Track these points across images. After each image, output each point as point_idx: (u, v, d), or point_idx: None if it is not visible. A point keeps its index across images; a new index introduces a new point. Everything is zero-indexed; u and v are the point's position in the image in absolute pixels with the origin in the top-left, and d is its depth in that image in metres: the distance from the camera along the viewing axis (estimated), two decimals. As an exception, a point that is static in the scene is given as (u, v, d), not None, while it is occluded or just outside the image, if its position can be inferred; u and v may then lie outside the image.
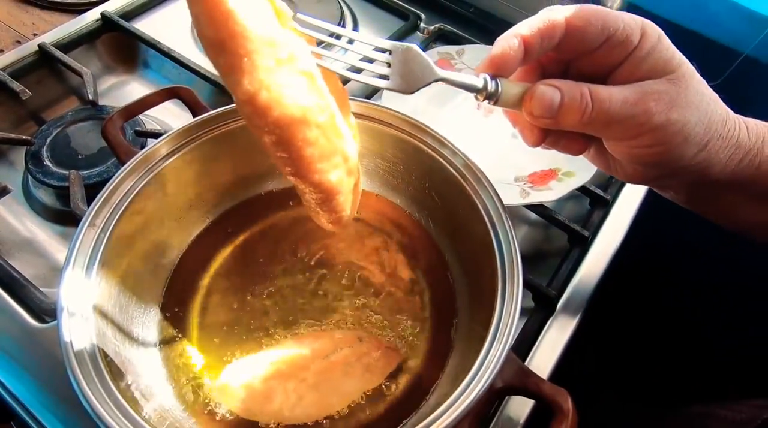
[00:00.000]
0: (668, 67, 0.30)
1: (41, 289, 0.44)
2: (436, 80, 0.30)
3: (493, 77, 0.30)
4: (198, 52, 0.66)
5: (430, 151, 0.42)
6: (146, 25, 0.67)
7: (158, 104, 0.44)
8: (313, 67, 0.27)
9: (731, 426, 0.39)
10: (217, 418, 0.37)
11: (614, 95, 0.29)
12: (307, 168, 0.28)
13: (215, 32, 0.24)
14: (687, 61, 0.30)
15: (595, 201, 0.55)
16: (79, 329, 0.32)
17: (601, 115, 0.29)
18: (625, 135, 0.30)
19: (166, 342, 0.41)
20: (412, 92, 0.30)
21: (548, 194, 0.50)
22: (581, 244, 0.51)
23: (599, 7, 0.30)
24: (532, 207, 0.52)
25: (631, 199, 0.55)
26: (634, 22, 0.30)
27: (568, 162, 0.54)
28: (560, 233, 0.53)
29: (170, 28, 0.68)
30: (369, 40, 0.30)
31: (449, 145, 0.42)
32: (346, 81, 0.33)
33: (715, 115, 0.31)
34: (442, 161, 0.42)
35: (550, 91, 0.30)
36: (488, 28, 0.71)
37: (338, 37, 0.31)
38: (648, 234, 0.54)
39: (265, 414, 0.38)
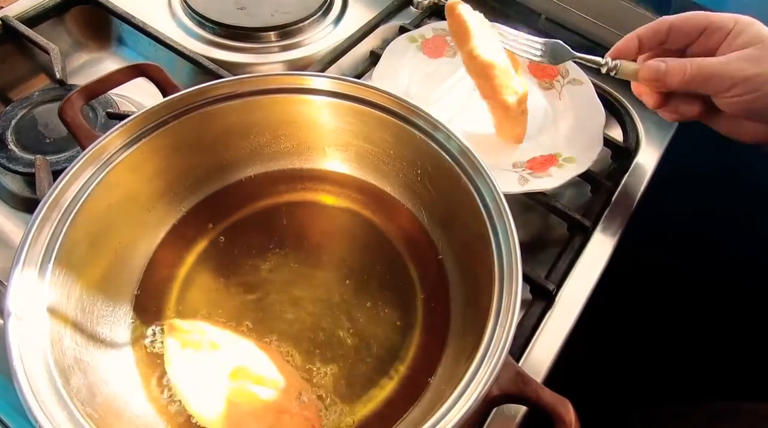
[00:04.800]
0: (756, 40, 0.38)
1: (5, 284, 0.41)
2: (573, 59, 0.46)
3: (614, 59, 0.44)
4: (176, 27, 0.61)
5: (422, 135, 0.39)
6: (120, -2, 0.62)
7: (124, 83, 0.40)
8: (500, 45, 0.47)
9: (761, 420, 0.39)
10: (193, 421, 0.35)
11: (710, 58, 0.39)
12: (495, 91, 0.46)
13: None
14: None
15: (596, 188, 0.52)
16: (29, 336, 0.29)
17: (700, 71, 0.39)
18: (721, 86, 0.39)
19: (137, 341, 0.38)
20: (558, 64, 0.47)
21: (548, 181, 0.47)
22: (582, 234, 0.48)
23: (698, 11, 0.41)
24: (529, 193, 0.49)
25: (634, 186, 0.53)
26: (727, 16, 0.40)
27: (569, 147, 0.51)
28: (559, 222, 0.50)
29: (146, 0, 0.63)
30: (530, 38, 0.48)
31: (443, 129, 0.38)
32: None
33: None
34: (435, 146, 0.39)
35: (657, 61, 0.41)
36: (483, 3, 0.67)
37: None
38: (652, 224, 0.52)
39: (187, 396, 0.35)
